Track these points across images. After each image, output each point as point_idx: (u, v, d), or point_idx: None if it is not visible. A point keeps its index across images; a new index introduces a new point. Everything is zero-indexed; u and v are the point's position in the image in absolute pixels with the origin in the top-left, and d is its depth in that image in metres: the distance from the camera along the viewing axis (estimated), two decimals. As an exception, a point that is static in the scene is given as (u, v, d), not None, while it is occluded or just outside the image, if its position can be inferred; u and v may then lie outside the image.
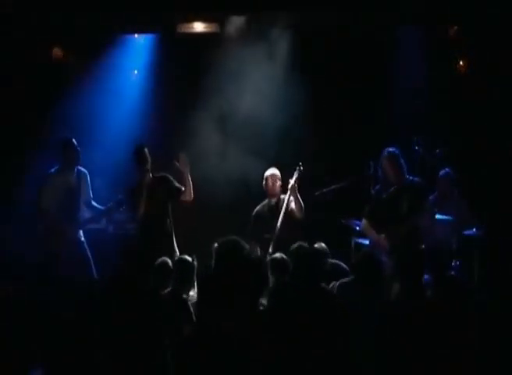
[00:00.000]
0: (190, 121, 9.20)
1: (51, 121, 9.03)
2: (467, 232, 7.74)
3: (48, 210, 7.89)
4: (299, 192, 7.83)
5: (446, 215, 7.68)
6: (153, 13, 8.55)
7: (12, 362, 5.24)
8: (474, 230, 7.74)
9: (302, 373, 5.02)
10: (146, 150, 7.86)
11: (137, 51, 9.48)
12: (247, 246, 5.62)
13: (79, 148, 7.98)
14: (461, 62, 9.03)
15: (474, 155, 8.74)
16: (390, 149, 7.42)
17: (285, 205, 7.87)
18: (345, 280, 5.95)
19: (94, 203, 8.18)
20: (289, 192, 7.84)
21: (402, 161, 7.39)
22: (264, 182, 8.09)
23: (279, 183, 8.04)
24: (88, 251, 7.99)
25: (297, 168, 7.82)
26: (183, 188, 7.87)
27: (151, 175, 7.91)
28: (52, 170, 8.01)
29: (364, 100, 9.12)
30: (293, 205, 7.89)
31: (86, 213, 8.18)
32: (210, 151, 9.22)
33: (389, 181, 7.38)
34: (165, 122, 9.50)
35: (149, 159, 7.87)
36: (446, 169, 8.10)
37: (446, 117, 8.87)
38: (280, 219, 7.83)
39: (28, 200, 8.24)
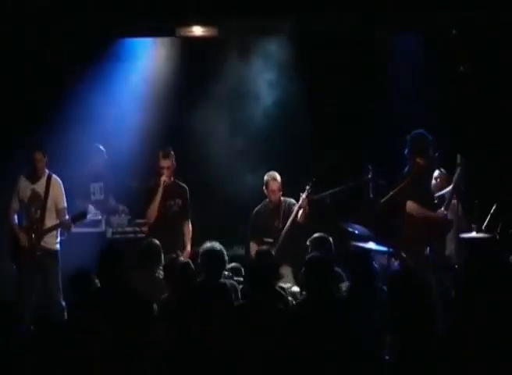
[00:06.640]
0: (190, 124, 9.25)
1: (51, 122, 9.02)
2: (463, 235, 7.70)
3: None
4: (308, 205, 7.96)
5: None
6: (152, 17, 8.55)
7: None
8: (473, 233, 7.72)
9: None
10: (172, 154, 7.94)
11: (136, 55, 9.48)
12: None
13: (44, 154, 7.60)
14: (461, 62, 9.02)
15: (473, 157, 8.74)
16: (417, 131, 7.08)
17: (293, 214, 7.99)
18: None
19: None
20: (300, 203, 7.97)
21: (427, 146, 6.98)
22: (264, 185, 8.13)
23: (278, 185, 8.09)
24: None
25: (310, 183, 7.97)
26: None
27: (172, 180, 7.98)
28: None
29: (364, 102, 9.15)
30: (300, 213, 7.99)
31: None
32: (211, 154, 9.28)
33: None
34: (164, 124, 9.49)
35: (174, 164, 7.94)
36: (441, 168, 8.07)
37: (445, 119, 8.87)
38: (287, 227, 7.95)
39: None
